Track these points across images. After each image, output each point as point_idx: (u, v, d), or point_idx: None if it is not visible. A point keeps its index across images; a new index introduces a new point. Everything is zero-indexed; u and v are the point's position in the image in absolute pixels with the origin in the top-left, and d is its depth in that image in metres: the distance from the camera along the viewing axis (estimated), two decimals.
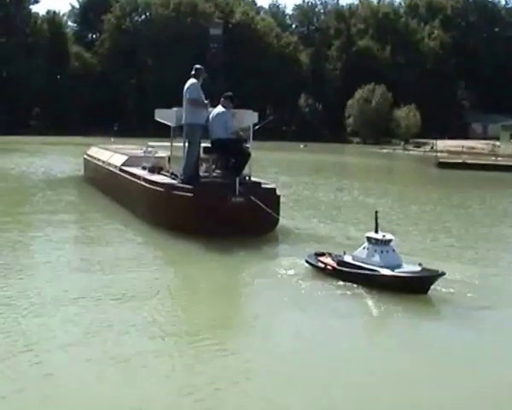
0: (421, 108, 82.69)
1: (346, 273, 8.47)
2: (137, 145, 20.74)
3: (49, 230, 12.31)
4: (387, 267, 8.19)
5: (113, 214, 14.49)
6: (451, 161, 41.35)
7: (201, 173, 12.26)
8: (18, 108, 78.07)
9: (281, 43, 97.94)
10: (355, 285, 8.23)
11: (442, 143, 60.88)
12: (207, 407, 4.89)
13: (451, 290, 8.14)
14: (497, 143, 70.29)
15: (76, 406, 4.86)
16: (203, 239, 10.60)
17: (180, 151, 12.50)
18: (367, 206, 16.74)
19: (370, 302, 7.80)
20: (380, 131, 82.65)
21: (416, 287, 8.06)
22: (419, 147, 72.32)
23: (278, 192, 12.24)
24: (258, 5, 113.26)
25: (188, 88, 11.89)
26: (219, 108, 12.02)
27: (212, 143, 12.07)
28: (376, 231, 8.48)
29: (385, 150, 66.81)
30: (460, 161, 41.48)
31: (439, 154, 47.40)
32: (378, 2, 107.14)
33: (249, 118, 12.63)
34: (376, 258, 8.33)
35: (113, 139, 45.13)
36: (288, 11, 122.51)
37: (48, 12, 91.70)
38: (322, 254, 9.18)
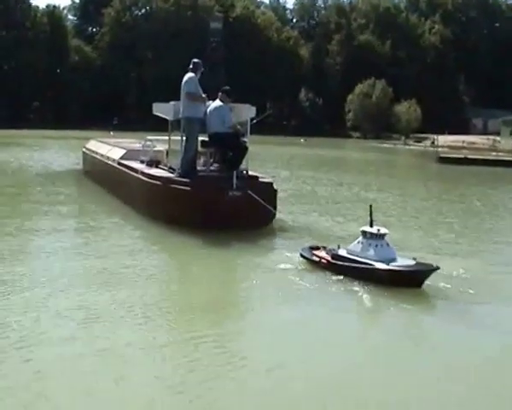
0: (422, 102, 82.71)
1: (340, 267, 8.51)
2: (136, 139, 20.77)
3: (45, 222, 12.38)
4: (382, 261, 8.22)
5: (111, 208, 14.54)
6: (452, 156, 41.34)
7: (199, 167, 12.31)
8: (18, 102, 78.10)
9: (281, 37, 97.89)
10: (349, 279, 8.27)
11: (442, 138, 60.94)
12: (198, 402, 4.90)
13: (448, 285, 8.16)
14: (498, 138, 70.32)
15: (65, 403, 4.82)
16: (200, 232, 10.65)
17: (178, 145, 12.56)
18: (367, 201, 16.66)
19: (364, 296, 7.83)
20: (380, 126, 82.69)
21: (410, 281, 8.10)
22: (419, 142, 72.35)
23: (275, 186, 12.28)
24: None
25: (185, 82, 11.94)
26: (217, 102, 12.06)
27: (209, 136, 12.12)
28: (371, 225, 8.52)
29: (385, 145, 66.79)
30: (461, 156, 41.47)
31: (439, 149, 47.48)
32: None
33: (247, 112, 12.67)
34: (371, 252, 8.36)
35: (112, 133, 45.20)
36: (289, 5, 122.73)
37: (48, 5, 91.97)
38: (317, 248, 9.22)
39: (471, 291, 8.07)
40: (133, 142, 19.87)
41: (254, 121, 12.69)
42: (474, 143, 67.54)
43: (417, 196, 20.07)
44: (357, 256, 8.47)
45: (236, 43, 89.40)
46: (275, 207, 11.84)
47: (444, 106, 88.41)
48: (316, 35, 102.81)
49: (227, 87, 12.40)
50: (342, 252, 8.75)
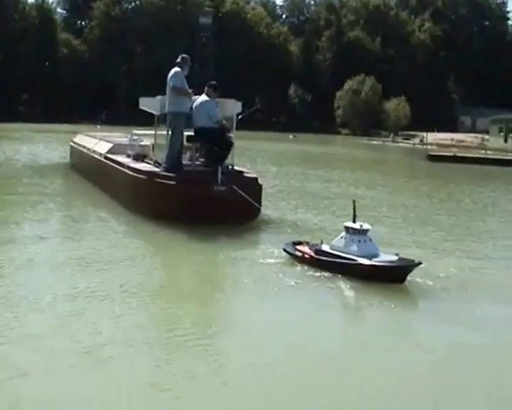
0: (411, 100, 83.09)
1: (323, 262, 8.55)
2: (124, 133, 20.71)
3: (30, 215, 12.39)
4: (365, 257, 8.27)
5: (97, 202, 14.52)
6: (441, 154, 41.55)
7: (185, 162, 12.31)
8: (6, 95, 77.55)
9: (271, 33, 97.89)
10: (332, 274, 8.32)
11: (431, 136, 61.22)
12: (180, 402, 4.88)
13: (431, 282, 8.21)
14: (486, 136, 70.80)
15: (47, 402, 4.76)
16: (185, 227, 10.65)
17: (164, 139, 12.55)
18: (355, 197, 16.71)
19: (346, 291, 7.89)
20: (369, 123, 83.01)
21: (392, 276, 8.16)
22: (408, 139, 72.69)
23: (260, 181, 12.31)
24: None
25: (171, 76, 11.93)
26: (203, 97, 12.06)
27: (195, 131, 12.12)
28: (354, 221, 8.58)
29: (374, 142, 67.06)
30: (450, 154, 41.70)
31: (428, 146, 47.68)
32: None
33: (233, 107, 12.69)
34: (354, 247, 8.41)
35: (99, 127, 45.07)
36: (279, 1, 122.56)
37: None
38: (300, 243, 9.25)
39: (454, 288, 8.13)
40: (120, 136, 19.81)
41: (240, 116, 12.71)
42: (462, 141, 67.96)
43: (406, 194, 20.15)
44: (340, 252, 8.51)
45: (226, 39, 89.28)
46: (260, 203, 11.85)
47: (433, 103, 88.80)
48: (305, 31, 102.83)
49: (213, 82, 12.39)
50: (325, 247, 8.79)
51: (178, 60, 12.19)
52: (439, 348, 6.28)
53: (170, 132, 12.06)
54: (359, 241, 8.44)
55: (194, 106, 12.01)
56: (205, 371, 5.35)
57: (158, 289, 7.74)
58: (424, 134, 62.32)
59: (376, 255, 8.38)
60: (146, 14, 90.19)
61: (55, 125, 58.45)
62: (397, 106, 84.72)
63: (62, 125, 57.32)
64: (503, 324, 7.17)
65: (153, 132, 13.93)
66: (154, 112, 13.03)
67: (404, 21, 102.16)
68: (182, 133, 12.05)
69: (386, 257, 8.41)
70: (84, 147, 19.62)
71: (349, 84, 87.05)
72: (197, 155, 12.64)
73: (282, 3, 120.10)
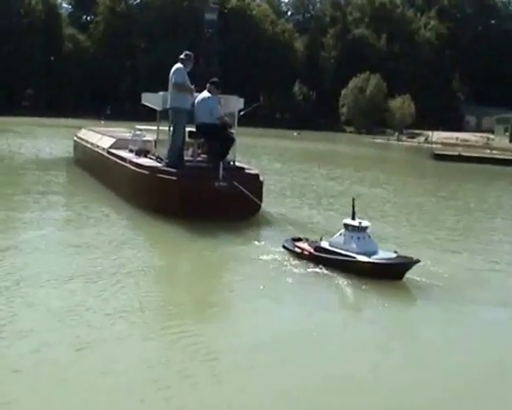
0: (416, 98, 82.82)
1: (322, 259, 8.59)
2: (127, 128, 20.76)
3: (33, 210, 12.41)
4: (363, 254, 8.32)
5: (100, 196, 14.57)
6: (447, 153, 41.43)
7: (186, 158, 12.36)
8: (11, 89, 77.73)
9: (276, 30, 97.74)
10: (331, 271, 8.35)
11: (436, 135, 61.16)
12: (174, 399, 4.87)
13: (431, 281, 8.21)
14: (491, 136, 70.65)
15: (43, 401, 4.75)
16: (186, 222, 10.70)
17: (166, 135, 12.61)
18: (360, 196, 16.81)
19: (345, 288, 7.94)
20: (374, 121, 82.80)
21: (391, 273, 8.19)
22: (413, 138, 72.56)
23: (261, 178, 12.35)
24: None
25: (174, 72, 11.98)
26: (205, 94, 12.11)
27: (196, 127, 12.18)
28: (353, 218, 8.62)
29: (378, 140, 66.93)
30: (455, 153, 41.60)
31: (433, 145, 47.63)
32: None
33: (234, 104, 12.76)
34: (353, 244, 8.46)
35: (102, 122, 45.16)
36: None
37: None
38: (299, 240, 9.31)
39: (455, 286, 8.15)
40: (124, 131, 19.86)
41: (242, 113, 12.76)
42: (467, 140, 67.82)
43: (412, 193, 20.05)
44: (339, 248, 8.56)
45: (231, 35, 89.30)
46: (261, 199, 11.89)
47: (438, 102, 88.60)
48: (311, 28, 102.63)
49: (215, 79, 12.46)
50: (324, 244, 8.83)
51: (182, 56, 12.23)
52: (438, 345, 6.33)
53: (172, 128, 12.12)
54: (358, 238, 8.49)
55: (195, 102, 12.06)
56: (199, 368, 5.34)
57: (155, 287, 7.76)
58: (429, 133, 62.26)
59: (375, 252, 8.42)
60: (151, 9, 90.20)
61: (59, 119, 58.52)
62: (402, 104, 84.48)
63: (67, 119, 57.36)
64: (502, 323, 7.21)
65: (155, 128, 13.99)
66: (156, 107, 13.09)
67: (409, 19, 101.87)
68: (184, 129, 12.10)
69: (384, 254, 8.45)
70: (87, 142, 19.70)
71: (354, 82, 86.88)
72: (199, 150, 12.69)
73: (287, 0, 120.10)
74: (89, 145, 19.13)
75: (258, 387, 5.11)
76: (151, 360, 5.40)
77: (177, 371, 5.21)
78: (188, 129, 12.28)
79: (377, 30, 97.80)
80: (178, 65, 12.02)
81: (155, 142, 13.95)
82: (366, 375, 5.47)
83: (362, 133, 78.37)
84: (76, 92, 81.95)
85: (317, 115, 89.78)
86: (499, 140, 65.81)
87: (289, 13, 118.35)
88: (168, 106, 12.11)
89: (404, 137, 73.32)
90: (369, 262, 8.22)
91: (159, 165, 12.34)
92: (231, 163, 12.26)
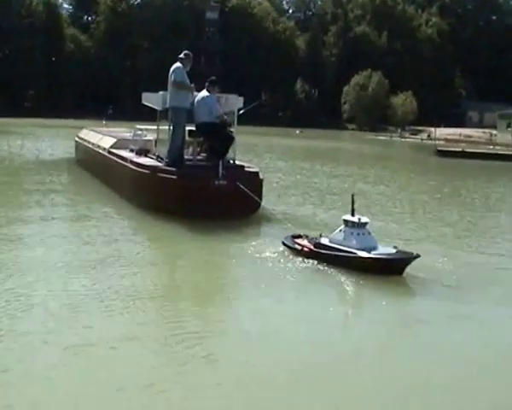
0: (418, 95, 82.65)
1: (323, 255, 8.61)
2: (127, 128, 20.78)
3: (35, 210, 12.47)
4: (363, 249, 8.35)
5: (101, 196, 14.62)
6: (450, 150, 41.28)
7: (187, 156, 12.40)
8: (13, 90, 77.67)
9: (277, 28, 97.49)
10: (331, 267, 8.37)
11: (439, 131, 60.92)
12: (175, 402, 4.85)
13: (433, 276, 8.27)
14: (494, 131, 70.43)
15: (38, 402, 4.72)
16: (185, 221, 10.74)
17: (166, 134, 12.63)
18: (364, 193, 16.85)
19: (346, 284, 7.96)
20: (376, 118, 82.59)
21: (391, 269, 8.22)
22: (416, 134, 72.36)
23: (261, 176, 12.38)
24: None
25: (173, 71, 12.01)
26: (204, 93, 12.15)
27: (196, 126, 12.21)
28: (352, 214, 8.64)
29: (381, 137, 66.76)
30: (459, 149, 41.46)
31: (437, 142, 47.46)
32: None
33: (234, 102, 12.79)
34: (352, 240, 8.49)
35: (104, 122, 45.06)
36: None
37: None
38: (299, 237, 9.33)
39: (456, 282, 8.16)
40: (125, 131, 19.89)
41: (242, 111, 12.77)
42: (470, 136, 67.63)
43: (416, 190, 19.97)
44: (339, 245, 8.58)
45: (232, 33, 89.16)
46: (260, 197, 11.91)
47: (440, 98, 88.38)
48: (312, 26, 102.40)
49: (213, 78, 12.51)
50: (324, 240, 8.86)
51: (181, 55, 12.27)
52: (437, 343, 6.31)
53: (171, 127, 12.14)
54: (358, 234, 8.52)
55: (195, 101, 12.09)
56: (201, 369, 5.32)
57: (156, 285, 7.74)
58: (432, 129, 62.05)
59: (375, 248, 8.46)
60: (152, 8, 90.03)
61: (60, 120, 58.47)
62: (404, 101, 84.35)
63: (68, 120, 57.33)
64: (504, 320, 7.21)
65: (155, 127, 14.02)
66: (156, 107, 13.12)
67: (410, 16, 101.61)
68: (183, 128, 12.12)
69: (384, 250, 8.48)
70: (88, 142, 19.75)
71: (356, 80, 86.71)
72: (199, 149, 12.71)
73: None
74: (90, 145, 19.18)
75: (259, 386, 5.11)
76: (148, 363, 5.36)
77: (173, 374, 5.18)
78: (187, 128, 12.30)
79: (378, 27, 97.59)
80: (178, 64, 12.06)
81: (155, 141, 13.98)
82: (367, 371, 5.49)
83: (364, 130, 78.20)
84: (77, 92, 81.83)
85: (319, 113, 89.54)
86: (502, 136, 65.63)
87: (290, 11, 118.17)
88: (167, 105, 12.14)
89: (406, 134, 73.11)
90: (369, 258, 8.25)
91: (159, 164, 12.38)
92: (231, 162, 12.28)
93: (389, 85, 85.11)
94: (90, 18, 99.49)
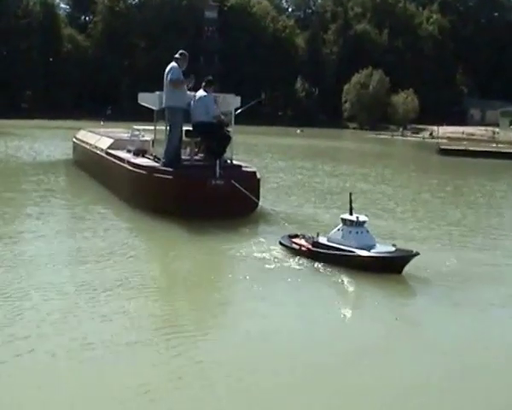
0: (419, 93, 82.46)
1: (321, 254, 8.52)
2: (125, 129, 20.72)
3: (32, 210, 12.44)
4: (362, 248, 8.30)
5: (97, 197, 14.55)
6: (453, 148, 41.08)
7: (184, 157, 12.33)
8: (10, 91, 77.49)
9: (277, 26, 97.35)
10: (330, 266, 8.28)
11: (441, 129, 60.82)
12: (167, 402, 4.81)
13: (433, 275, 8.22)
14: (497, 129, 70.30)
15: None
16: (183, 221, 10.66)
17: (163, 134, 12.55)
18: (365, 192, 16.77)
19: (345, 283, 7.87)
20: (377, 117, 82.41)
21: (391, 267, 8.13)
22: (417, 133, 72.22)
23: (258, 175, 12.31)
24: None
25: (169, 71, 11.94)
26: (201, 92, 12.06)
27: (193, 126, 12.14)
28: (351, 213, 8.55)
29: (382, 136, 66.66)
30: (462, 147, 41.30)
31: (439, 140, 47.36)
32: None
33: (231, 102, 12.71)
34: (351, 239, 8.43)
35: (102, 123, 45.15)
36: None
37: None
38: (296, 236, 9.28)
39: (457, 280, 8.10)
40: (122, 132, 19.84)
41: (239, 111, 12.69)
42: (472, 134, 67.53)
43: (418, 189, 19.83)
44: (337, 243, 8.50)
45: (231, 33, 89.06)
46: (258, 196, 11.82)
47: (441, 96, 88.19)
48: (312, 24, 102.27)
49: (210, 77, 12.45)
50: (322, 240, 8.77)
51: (177, 55, 12.17)
52: (438, 341, 6.26)
53: (168, 127, 12.05)
54: (356, 233, 8.46)
55: (192, 101, 11.99)
56: (200, 370, 5.27)
57: (152, 286, 7.68)
58: (434, 128, 61.96)
59: (373, 246, 8.40)
60: (150, 8, 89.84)
61: (58, 121, 58.41)
62: (405, 99, 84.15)
63: (66, 121, 57.27)
64: (503, 320, 7.13)
65: (152, 128, 13.95)
66: (152, 107, 13.07)
67: (411, 13, 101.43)
68: (180, 128, 12.03)
69: (383, 248, 8.41)
70: (86, 143, 19.73)
71: (356, 78, 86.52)
72: (196, 149, 12.61)
73: None
74: (87, 146, 19.14)
75: (259, 386, 5.05)
76: (144, 367, 5.30)
77: (169, 378, 5.10)
78: (184, 128, 12.22)
79: (379, 25, 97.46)
80: (173, 64, 11.98)
81: (153, 141, 13.90)
82: (367, 371, 5.41)
83: (365, 129, 78.08)
84: (75, 93, 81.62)
85: (320, 112, 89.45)
86: (504, 133, 65.48)
87: (290, 9, 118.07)
88: (164, 105, 12.04)
89: (408, 133, 72.95)
90: (368, 256, 8.19)
91: (156, 164, 12.31)
92: (228, 161, 12.19)
93: (390, 83, 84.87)
94: (87, 18, 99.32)
